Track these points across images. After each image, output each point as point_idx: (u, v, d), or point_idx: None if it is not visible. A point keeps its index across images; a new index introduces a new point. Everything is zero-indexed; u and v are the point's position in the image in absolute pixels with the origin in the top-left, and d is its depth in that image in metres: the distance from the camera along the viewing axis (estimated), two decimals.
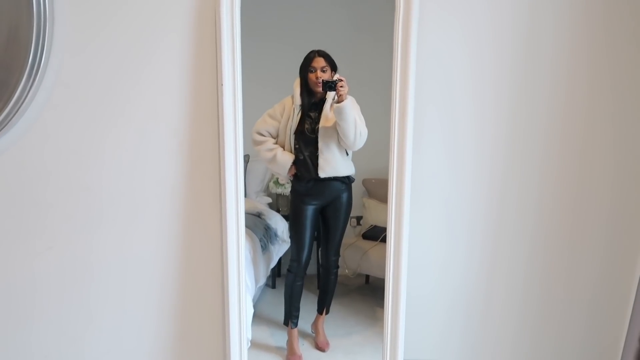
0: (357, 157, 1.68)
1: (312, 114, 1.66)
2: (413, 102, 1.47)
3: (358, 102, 1.61)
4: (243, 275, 1.58)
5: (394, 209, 1.53)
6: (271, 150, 1.69)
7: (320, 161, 1.65)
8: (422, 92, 1.51)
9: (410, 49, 1.43)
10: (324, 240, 1.80)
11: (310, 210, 1.74)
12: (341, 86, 1.55)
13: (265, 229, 1.81)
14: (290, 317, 1.80)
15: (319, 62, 1.61)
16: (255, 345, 1.72)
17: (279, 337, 1.79)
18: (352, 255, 1.85)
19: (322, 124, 1.64)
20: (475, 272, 1.66)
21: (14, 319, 1.67)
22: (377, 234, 1.80)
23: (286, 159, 1.68)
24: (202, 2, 1.48)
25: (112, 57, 1.51)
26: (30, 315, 1.67)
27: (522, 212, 1.61)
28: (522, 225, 1.62)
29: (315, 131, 1.65)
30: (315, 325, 1.82)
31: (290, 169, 1.69)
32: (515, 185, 1.59)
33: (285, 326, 1.80)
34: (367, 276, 1.92)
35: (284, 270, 1.86)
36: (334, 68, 1.63)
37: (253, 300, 1.71)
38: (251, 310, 1.67)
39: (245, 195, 1.59)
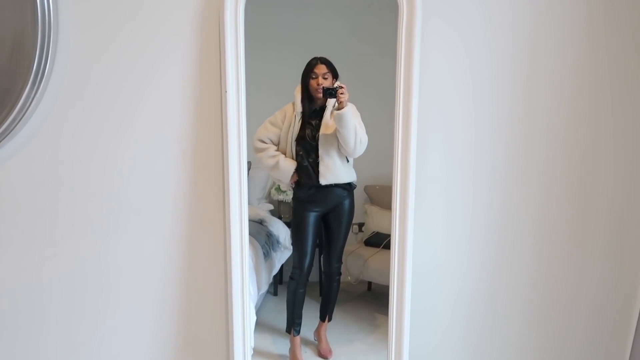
0: (358, 164, 1.69)
1: (312, 121, 1.67)
2: (417, 108, 1.48)
3: (359, 109, 1.62)
4: (247, 283, 1.58)
5: (398, 214, 1.53)
6: (273, 157, 1.69)
7: (321, 168, 1.66)
8: (425, 98, 1.52)
9: (413, 55, 1.44)
10: (326, 247, 1.80)
11: (312, 217, 1.74)
12: (341, 93, 1.56)
13: (267, 236, 1.82)
14: (293, 324, 1.79)
15: (321, 69, 1.62)
16: (257, 353, 1.71)
17: (282, 345, 1.79)
18: (354, 262, 1.85)
19: (322, 131, 1.65)
20: (479, 275, 1.66)
21: (20, 325, 1.66)
22: (379, 241, 1.81)
23: (289, 165, 1.68)
24: (206, 9, 1.49)
25: (116, 64, 1.52)
26: (36, 321, 1.66)
27: (525, 215, 1.62)
28: (525, 228, 1.63)
29: (316, 138, 1.66)
30: (317, 332, 1.82)
31: (292, 176, 1.69)
32: (518, 189, 1.60)
33: (287, 334, 1.80)
34: (369, 283, 1.91)
35: (286, 277, 1.85)
36: (335, 75, 1.64)
37: (255, 307, 1.71)
38: (254, 318, 1.67)
39: (247, 202, 1.59)
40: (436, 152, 1.58)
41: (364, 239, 1.86)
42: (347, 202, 1.74)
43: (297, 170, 1.69)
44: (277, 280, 1.91)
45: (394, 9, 1.45)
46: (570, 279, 1.66)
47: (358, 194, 1.76)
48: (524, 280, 1.67)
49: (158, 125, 1.55)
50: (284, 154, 1.69)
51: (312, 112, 1.67)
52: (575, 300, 1.67)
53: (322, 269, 1.84)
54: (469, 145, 1.58)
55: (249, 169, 1.75)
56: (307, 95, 1.66)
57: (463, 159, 1.59)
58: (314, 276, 1.81)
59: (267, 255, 1.79)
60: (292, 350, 1.78)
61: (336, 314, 1.82)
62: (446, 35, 1.52)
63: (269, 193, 1.91)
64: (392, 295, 1.58)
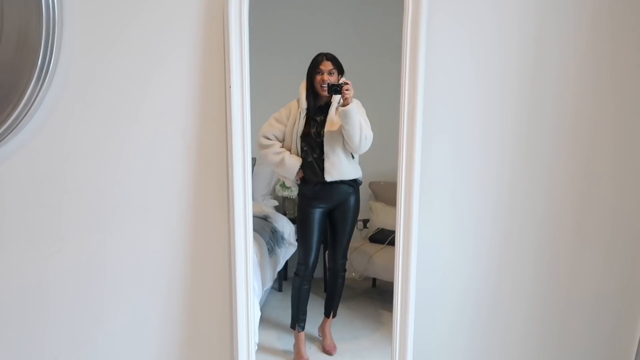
0: (363, 160, 1.69)
1: (317, 118, 1.66)
2: (422, 105, 1.47)
3: (364, 105, 1.61)
4: (251, 278, 1.58)
5: (403, 211, 1.53)
6: (279, 153, 1.69)
7: (326, 165, 1.66)
8: (431, 94, 1.51)
9: (419, 51, 1.43)
10: (331, 244, 1.80)
11: (317, 213, 1.74)
12: (347, 89, 1.56)
13: (272, 232, 1.81)
14: (297, 320, 1.79)
15: (327, 65, 1.62)
16: (262, 348, 1.71)
17: (286, 341, 1.79)
18: (358, 258, 1.85)
19: (327, 127, 1.64)
20: (483, 272, 1.66)
21: (25, 319, 1.67)
22: (384, 237, 1.80)
23: (294, 162, 1.68)
24: (210, 5, 1.49)
25: (121, 59, 1.52)
26: (41, 316, 1.67)
27: (529, 211, 1.61)
28: (530, 224, 1.62)
29: (321, 135, 1.65)
30: (322, 328, 1.82)
31: (297, 173, 1.69)
32: (522, 185, 1.59)
33: (292, 330, 1.80)
34: (374, 279, 1.91)
35: (290, 273, 1.85)
36: (341, 72, 1.63)
37: (260, 303, 1.71)
38: (258, 314, 1.67)
39: (252, 199, 1.59)
40: (441, 148, 1.58)
41: (368, 236, 1.86)
42: (352, 199, 1.74)
43: (303, 167, 1.68)
44: (282, 276, 1.91)
45: (399, 4, 1.44)
46: (575, 277, 1.65)
47: (363, 190, 1.75)
48: (529, 278, 1.66)
49: (162, 121, 1.56)
50: (289, 150, 1.69)
51: (317, 109, 1.67)
52: (580, 298, 1.66)
53: (327, 265, 1.83)
54: (474, 142, 1.57)
55: (253, 165, 1.75)
56: (312, 91, 1.65)
57: (468, 156, 1.58)
58: (318, 272, 1.81)
59: (271, 251, 1.79)
60: (297, 346, 1.78)
61: (341, 310, 1.82)
62: (452, 30, 1.51)
63: (274, 189, 1.90)
64: (397, 292, 1.57)
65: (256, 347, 1.65)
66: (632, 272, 1.63)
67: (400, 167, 1.51)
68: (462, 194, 1.61)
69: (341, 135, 1.62)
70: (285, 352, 1.77)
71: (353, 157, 1.67)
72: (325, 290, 1.85)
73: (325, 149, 1.65)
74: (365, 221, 1.86)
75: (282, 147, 1.69)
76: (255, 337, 1.64)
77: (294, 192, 1.84)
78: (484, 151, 1.58)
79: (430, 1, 1.44)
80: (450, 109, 1.55)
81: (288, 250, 1.86)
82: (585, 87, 1.53)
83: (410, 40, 1.44)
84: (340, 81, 1.60)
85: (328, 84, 1.60)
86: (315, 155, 1.67)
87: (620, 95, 1.53)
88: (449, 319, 1.69)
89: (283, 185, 1.87)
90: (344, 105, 1.57)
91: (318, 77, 1.63)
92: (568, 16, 1.50)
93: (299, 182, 1.72)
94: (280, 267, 1.86)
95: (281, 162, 1.69)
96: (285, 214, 1.89)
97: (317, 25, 1.73)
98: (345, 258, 1.80)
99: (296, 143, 1.67)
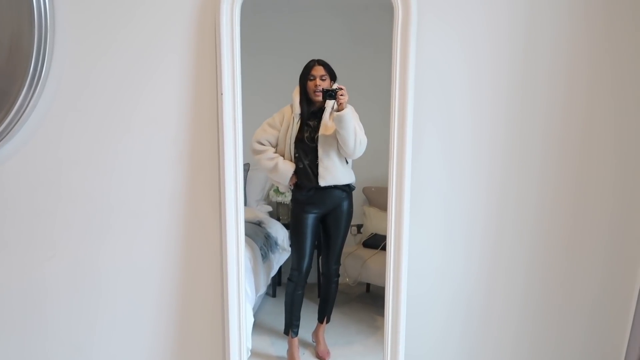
0: (357, 165, 1.69)
1: (311, 123, 1.67)
2: (412, 109, 1.47)
3: (357, 110, 1.61)
4: (243, 284, 1.58)
5: (394, 216, 1.53)
6: (272, 159, 1.69)
7: (321, 170, 1.66)
8: (421, 99, 1.52)
9: (408, 57, 1.44)
10: (324, 249, 1.80)
11: (311, 218, 1.74)
12: (341, 95, 1.56)
13: (266, 238, 1.81)
14: (291, 326, 1.79)
15: (319, 70, 1.62)
16: (255, 354, 1.71)
17: (280, 347, 1.79)
18: (352, 263, 1.85)
19: (321, 132, 1.65)
20: (475, 277, 1.66)
21: (19, 325, 1.67)
22: (377, 242, 1.80)
23: (287, 168, 1.68)
24: (202, 12, 1.49)
25: (113, 66, 1.53)
26: (35, 322, 1.67)
27: (521, 217, 1.61)
28: (521, 230, 1.62)
29: (314, 140, 1.65)
30: (315, 334, 1.82)
31: (291, 178, 1.69)
32: (514, 190, 1.60)
33: (285, 335, 1.80)
34: (368, 285, 1.91)
35: (284, 279, 1.85)
36: (333, 77, 1.64)
37: (253, 309, 1.71)
38: (251, 319, 1.67)
39: (246, 204, 1.59)
40: (432, 153, 1.58)
41: (362, 241, 1.86)
42: (345, 204, 1.74)
43: (296, 172, 1.68)
44: (276, 281, 1.91)
45: (390, 10, 1.44)
46: (566, 281, 1.65)
47: (357, 195, 1.75)
48: (519, 282, 1.66)
49: (155, 128, 1.56)
50: (283, 156, 1.69)
51: (311, 114, 1.67)
52: (571, 302, 1.66)
53: (321, 270, 1.83)
54: (465, 146, 1.58)
55: (247, 170, 1.75)
56: (305, 97, 1.66)
57: (459, 160, 1.59)
58: (312, 278, 1.81)
59: (265, 257, 1.79)
60: (290, 351, 1.78)
61: (334, 315, 1.82)
62: (442, 35, 1.51)
63: (268, 195, 1.91)
64: (388, 297, 1.57)
65: (249, 353, 1.66)
66: (623, 276, 1.64)
67: (391, 172, 1.52)
68: (453, 198, 1.61)
69: (335, 139, 1.62)
70: (278, 358, 1.77)
71: (347, 162, 1.67)
72: (319, 296, 1.85)
73: (319, 153, 1.65)
74: (359, 226, 1.86)
75: (276, 152, 1.69)
76: (247, 343, 1.63)
77: (287, 198, 1.84)
78: (476, 155, 1.58)
79: (419, 6, 1.44)
80: (441, 113, 1.56)
81: (282, 255, 1.86)
82: (576, 86, 1.53)
83: (401, 45, 1.45)
84: (335, 86, 1.60)
85: (323, 89, 1.60)
86: (308, 161, 1.67)
87: (614, 93, 1.53)
88: (440, 323, 1.69)
89: (277, 191, 1.87)
90: (338, 110, 1.57)
91: (310, 83, 1.63)
92: (558, 13, 1.49)
93: (292, 188, 1.72)
94: (273, 272, 1.86)
95: (274, 168, 1.69)
96: (279, 220, 1.89)
97: (309, 31, 1.74)
98: (338, 263, 1.79)
99: (290, 148, 1.68)
